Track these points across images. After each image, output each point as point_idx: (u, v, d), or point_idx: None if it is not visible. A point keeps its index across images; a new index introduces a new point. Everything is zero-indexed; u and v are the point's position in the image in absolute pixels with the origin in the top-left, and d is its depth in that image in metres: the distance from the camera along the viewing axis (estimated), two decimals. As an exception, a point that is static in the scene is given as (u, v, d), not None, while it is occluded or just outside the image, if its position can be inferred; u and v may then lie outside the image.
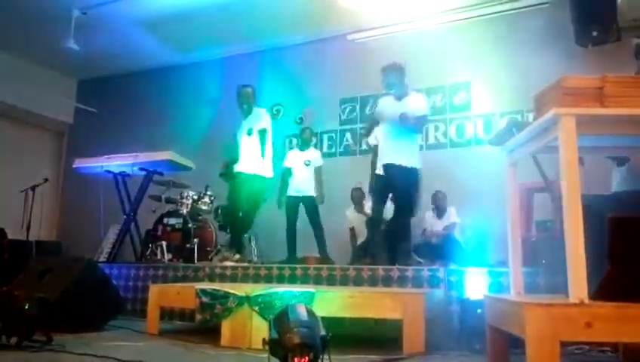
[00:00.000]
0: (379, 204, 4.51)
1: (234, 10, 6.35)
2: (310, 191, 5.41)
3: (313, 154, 5.62)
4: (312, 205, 5.38)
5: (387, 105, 4.33)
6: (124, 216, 6.08)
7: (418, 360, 2.70)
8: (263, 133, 4.83)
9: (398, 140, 4.23)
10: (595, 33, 5.23)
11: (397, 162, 4.19)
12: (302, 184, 5.40)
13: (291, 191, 5.46)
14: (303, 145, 5.68)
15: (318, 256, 5.31)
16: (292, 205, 5.40)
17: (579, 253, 1.73)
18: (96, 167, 6.08)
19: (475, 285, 3.46)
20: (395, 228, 4.41)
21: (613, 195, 3.42)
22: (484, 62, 6.06)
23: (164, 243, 5.42)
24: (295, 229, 5.30)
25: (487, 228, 4.82)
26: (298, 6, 6.26)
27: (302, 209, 5.43)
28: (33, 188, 5.93)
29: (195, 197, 5.91)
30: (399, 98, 4.28)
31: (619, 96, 1.87)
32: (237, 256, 4.75)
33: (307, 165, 5.47)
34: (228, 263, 4.54)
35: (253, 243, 6.06)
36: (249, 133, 4.82)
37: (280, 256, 5.30)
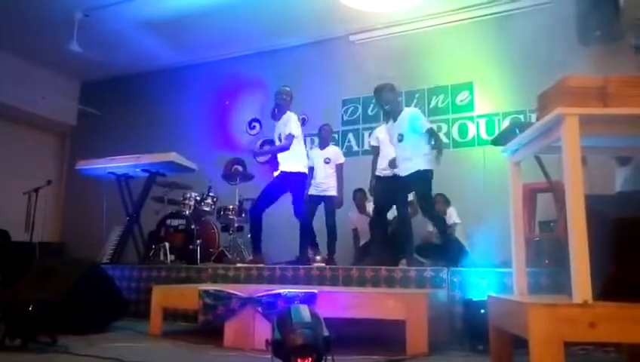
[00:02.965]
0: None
1: (236, 11, 6.36)
2: (330, 190, 5.38)
3: (333, 152, 5.61)
4: (331, 206, 5.35)
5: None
6: (127, 218, 6.09)
7: (421, 360, 2.70)
8: None
9: None
10: (597, 33, 5.22)
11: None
12: (322, 183, 5.36)
13: (312, 190, 5.41)
14: (322, 143, 5.67)
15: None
16: (311, 204, 5.35)
17: (582, 254, 1.72)
18: (99, 169, 6.09)
19: (478, 285, 3.46)
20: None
21: (617, 195, 3.41)
22: (487, 63, 6.04)
23: (167, 244, 5.42)
24: (311, 229, 5.15)
25: (490, 229, 4.81)
26: (300, 7, 6.26)
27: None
28: (36, 190, 5.94)
29: (198, 198, 5.92)
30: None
31: (622, 95, 1.86)
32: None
33: (327, 163, 5.45)
34: None
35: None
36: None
37: (282, 257, 5.30)
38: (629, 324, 1.68)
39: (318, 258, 4.78)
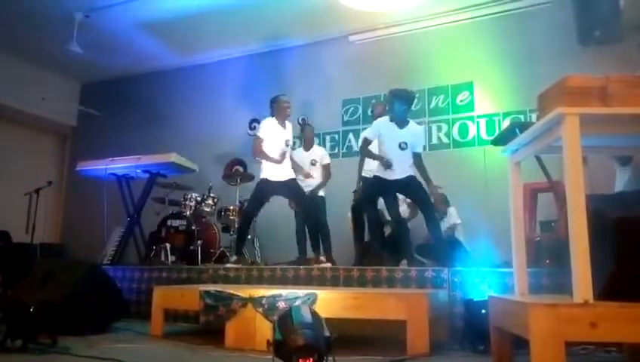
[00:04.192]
0: (373, 206, 4.70)
1: (235, 12, 6.36)
2: (319, 191, 5.39)
3: (319, 153, 5.60)
4: (320, 205, 5.34)
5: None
6: (128, 219, 6.10)
7: (422, 360, 2.70)
8: None
9: None
10: (597, 33, 5.22)
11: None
12: (310, 184, 5.33)
13: None
14: (307, 144, 5.66)
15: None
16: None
17: (583, 253, 1.72)
18: (100, 170, 6.10)
19: (479, 285, 3.46)
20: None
21: (618, 195, 3.41)
22: (487, 63, 6.04)
23: (167, 245, 5.42)
24: (304, 229, 5.13)
25: (491, 229, 4.81)
26: (299, 8, 6.26)
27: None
28: (37, 191, 5.94)
29: (199, 198, 5.92)
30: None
31: (622, 95, 1.86)
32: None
33: (313, 165, 5.45)
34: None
35: (256, 245, 6.07)
36: None
37: (282, 258, 5.29)
38: (630, 324, 1.68)
39: (322, 258, 4.81)
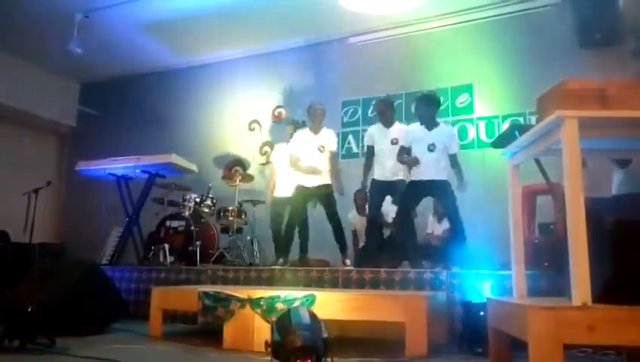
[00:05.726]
0: (376, 208, 4.77)
1: (235, 13, 6.37)
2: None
3: None
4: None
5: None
6: (127, 219, 6.10)
7: (420, 363, 2.70)
8: None
9: None
10: (597, 36, 5.23)
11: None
12: None
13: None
14: None
15: (318, 258, 5.26)
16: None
17: (582, 256, 1.73)
18: (99, 170, 6.11)
19: (478, 288, 3.46)
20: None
21: (616, 198, 3.42)
22: (487, 65, 6.05)
23: (166, 245, 5.42)
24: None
25: (490, 231, 4.81)
26: (300, 9, 6.27)
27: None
28: (36, 191, 5.94)
29: (198, 199, 5.92)
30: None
31: (621, 98, 1.87)
32: None
33: None
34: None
35: (255, 246, 6.06)
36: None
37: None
38: (628, 327, 1.68)
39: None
